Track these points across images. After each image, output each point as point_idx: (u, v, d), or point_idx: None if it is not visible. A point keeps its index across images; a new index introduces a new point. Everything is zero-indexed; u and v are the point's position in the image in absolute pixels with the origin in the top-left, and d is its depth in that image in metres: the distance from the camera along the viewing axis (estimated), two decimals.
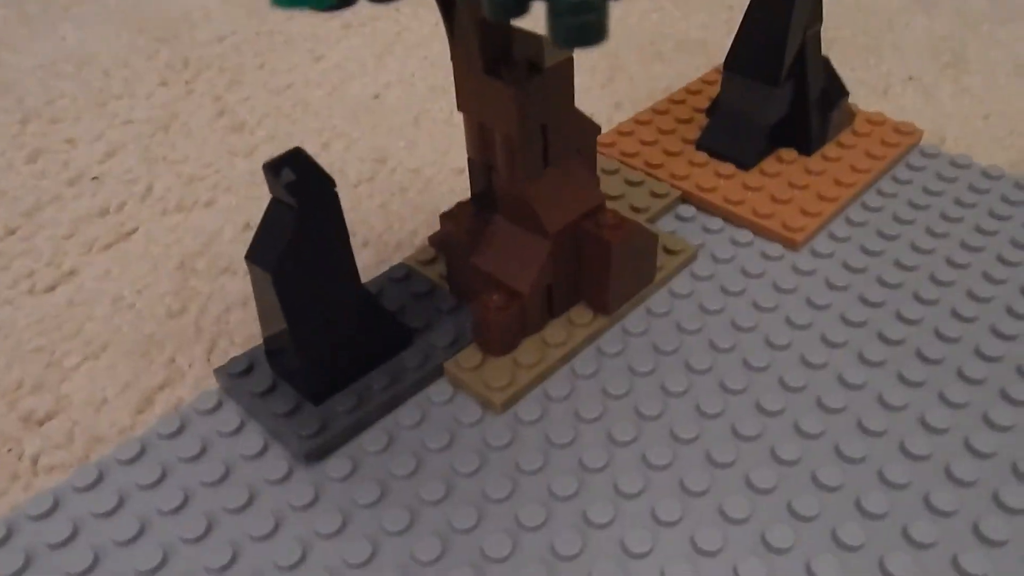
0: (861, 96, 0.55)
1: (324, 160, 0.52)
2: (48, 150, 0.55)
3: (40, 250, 0.46)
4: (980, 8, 0.65)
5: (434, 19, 0.69)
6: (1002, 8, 0.64)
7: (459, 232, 0.36)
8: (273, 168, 0.29)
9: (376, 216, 0.47)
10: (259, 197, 0.50)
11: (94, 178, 0.53)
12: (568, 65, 0.33)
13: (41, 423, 0.36)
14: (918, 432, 0.32)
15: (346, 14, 0.71)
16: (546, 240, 0.34)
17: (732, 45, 0.45)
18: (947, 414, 0.32)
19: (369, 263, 0.43)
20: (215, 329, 0.40)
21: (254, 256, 0.30)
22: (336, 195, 0.30)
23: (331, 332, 0.33)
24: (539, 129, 0.33)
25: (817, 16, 0.44)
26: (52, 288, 0.44)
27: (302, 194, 0.29)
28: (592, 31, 0.20)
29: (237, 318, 0.41)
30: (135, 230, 0.48)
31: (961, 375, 0.34)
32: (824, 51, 0.58)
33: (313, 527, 0.30)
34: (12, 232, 0.48)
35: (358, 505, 0.30)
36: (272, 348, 0.34)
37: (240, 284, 0.43)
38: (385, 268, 0.42)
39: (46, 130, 0.58)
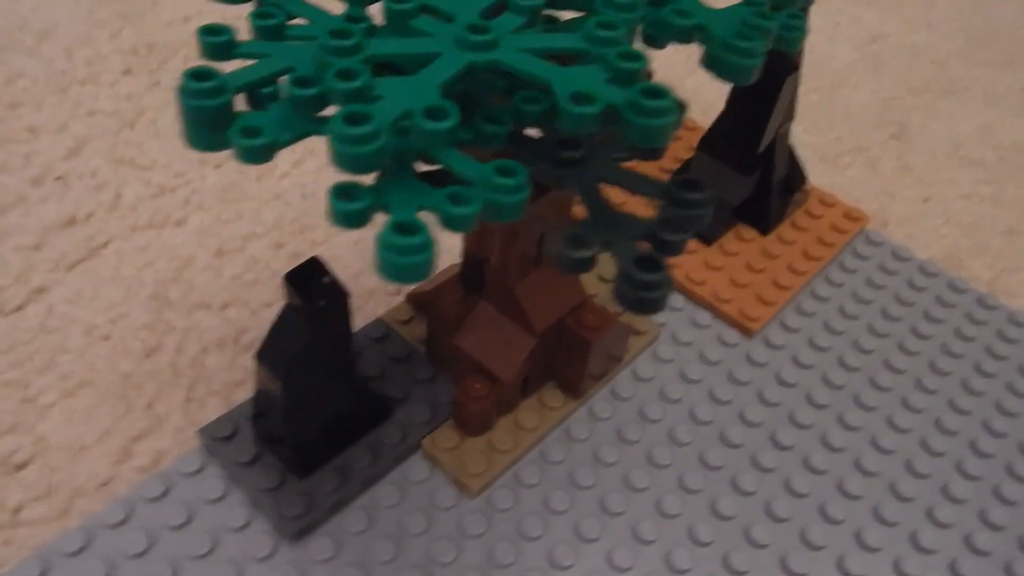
0: (812, 163, 0.58)
1: (296, 181, 0.52)
2: (9, 139, 0.54)
3: (8, 263, 0.46)
4: (925, 75, 0.68)
5: None
6: (944, 79, 0.68)
7: (446, 309, 0.38)
8: (292, 281, 0.30)
9: (351, 254, 0.48)
10: (230, 220, 0.50)
11: (58, 178, 0.52)
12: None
13: (19, 468, 0.37)
14: (872, 524, 0.36)
15: None
16: (532, 337, 0.36)
17: (709, 130, 0.47)
18: (897, 507, 0.36)
19: None
20: (192, 373, 0.41)
21: (265, 358, 0.31)
22: (348, 304, 0.31)
23: (322, 415, 0.34)
24: (538, 238, 0.35)
25: (791, 114, 0.46)
26: (21, 307, 0.43)
27: (316, 306, 0.30)
28: (655, 304, 0.22)
29: (214, 361, 0.42)
30: (105, 245, 0.47)
31: (909, 469, 0.38)
32: None
33: None
34: None
35: None
36: (259, 417, 0.36)
37: (215, 322, 0.43)
38: (360, 314, 0.43)
39: (5, 115, 0.56)
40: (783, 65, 0.42)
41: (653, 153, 0.28)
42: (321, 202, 0.51)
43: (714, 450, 0.38)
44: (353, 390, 0.35)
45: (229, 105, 0.21)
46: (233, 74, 0.22)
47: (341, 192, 0.20)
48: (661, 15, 0.25)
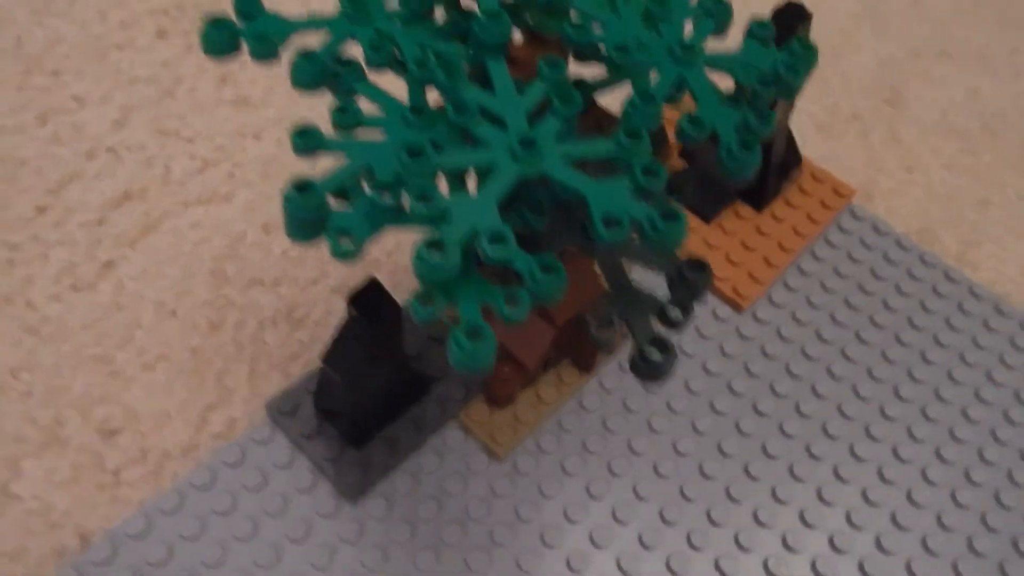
0: (810, 133, 0.62)
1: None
2: (57, 110, 0.58)
3: (76, 239, 0.51)
4: (923, 34, 0.71)
5: None
6: (942, 38, 0.71)
7: None
8: (355, 301, 0.35)
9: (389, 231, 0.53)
10: (273, 195, 0.54)
11: (109, 150, 0.56)
12: None
13: (113, 433, 0.43)
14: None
15: None
16: (553, 328, 0.42)
17: None
18: (854, 466, 0.43)
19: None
20: (252, 347, 0.47)
21: (330, 361, 0.37)
22: (399, 312, 0.37)
23: (374, 395, 0.41)
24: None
25: (791, 105, 0.50)
26: (94, 284, 0.49)
27: (375, 318, 0.36)
28: (666, 375, 0.28)
29: (271, 336, 0.48)
30: (160, 221, 0.52)
31: (867, 433, 0.45)
32: None
33: (360, 560, 0.39)
34: (43, 211, 0.52)
35: (394, 542, 0.40)
36: (319, 394, 0.42)
37: (269, 298, 0.49)
38: (400, 294, 0.48)
39: (50, 84, 0.59)
40: None
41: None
42: None
43: (704, 418, 0.45)
44: (401, 373, 0.41)
45: (324, 208, 0.26)
46: (324, 183, 0.27)
47: (420, 297, 0.25)
48: (679, 123, 0.30)
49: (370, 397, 0.40)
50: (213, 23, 0.31)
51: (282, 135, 0.58)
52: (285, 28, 0.31)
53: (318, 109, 0.60)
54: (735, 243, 0.52)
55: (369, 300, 0.36)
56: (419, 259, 0.24)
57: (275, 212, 0.54)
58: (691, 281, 0.29)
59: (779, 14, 0.45)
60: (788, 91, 0.31)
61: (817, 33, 0.70)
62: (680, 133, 0.30)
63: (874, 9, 0.73)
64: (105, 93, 0.59)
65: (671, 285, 0.31)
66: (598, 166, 0.29)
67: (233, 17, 0.32)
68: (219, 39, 0.31)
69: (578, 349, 0.45)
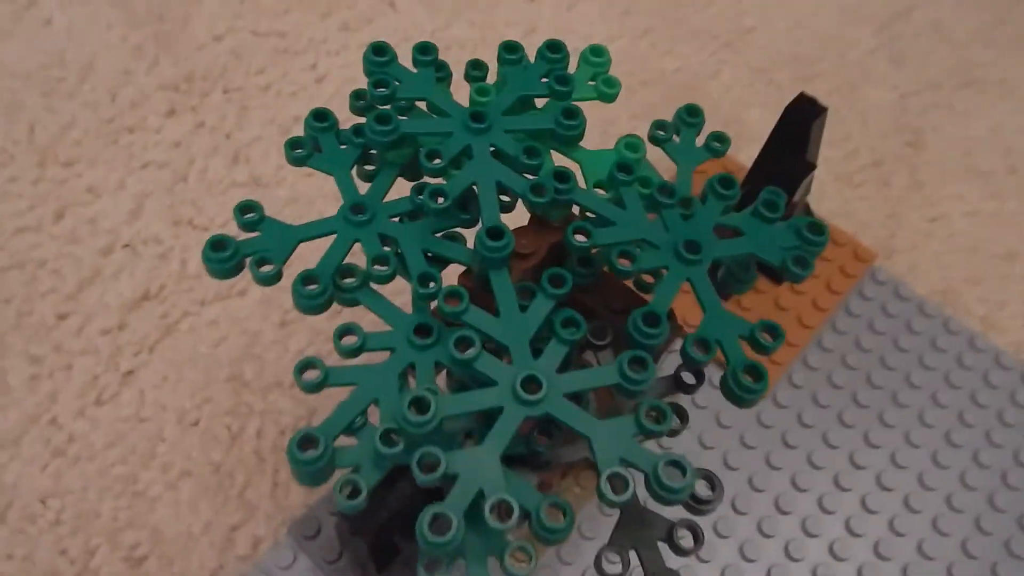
0: (828, 183, 0.61)
1: None
2: (72, 203, 0.58)
3: (97, 347, 0.52)
4: (944, 64, 0.69)
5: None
6: (963, 67, 0.69)
7: None
8: None
9: None
10: (287, 287, 0.55)
11: (125, 246, 0.56)
12: None
13: (141, 561, 0.44)
14: None
15: (343, 14, 0.71)
16: None
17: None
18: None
19: None
20: (274, 458, 0.48)
21: (351, 523, 0.38)
22: None
23: (396, 513, 0.41)
24: None
25: (807, 190, 0.49)
26: (117, 396, 0.50)
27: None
28: None
29: None
30: (179, 322, 0.53)
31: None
32: None
33: None
34: (63, 318, 0.53)
35: None
36: (340, 515, 0.42)
37: (289, 403, 0.50)
38: None
39: (65, 175, 0.60)
40: (803, 168, 0.45)
41: None
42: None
43: (726, 520, 0.45)
44: (420, 493, 0.41)
45: (331, 462, 0.26)
46: (326, 427, 0.27)
47: (427, 567, 0.26)
48: (685, 347, 0.29)
49: (389, 527, 0.40)
50: (214, 245, 0.30)
51: (295, 216, 0.58)
52: (283, 245, 0.31)
53: (329, 185, 0.60)
54: (753, 320, 0.52)
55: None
56: (423, 539, 0.24)
57: (290, 305, 0.54)
58: (703, 501, 0.29)
59: (791, 111, 0.44)
60: (795, 279, 0.30)
61: (833, 71, 0.68)
62: (685, 356, 0.29)
63: (893, 41, 0.71)
64: (119, 180, 0.60)
65: (684, 520, 0.30)
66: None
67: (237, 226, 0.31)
68: (223, 265, 0.30)
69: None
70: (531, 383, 0.27)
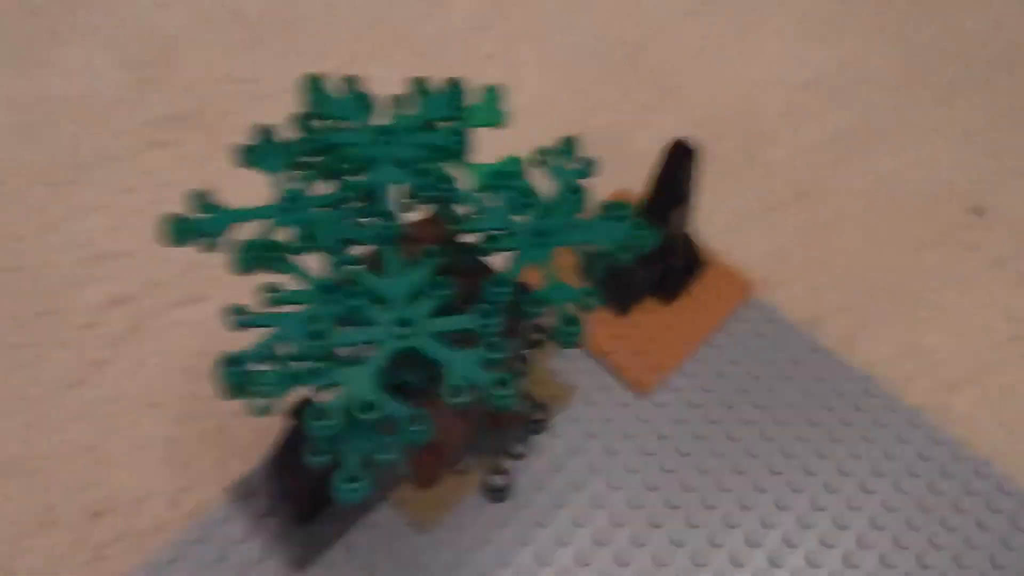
0: (724, 225, 0.70)
1: None
2: (59, 220, 0.66)
3: (71, 340, 0.59)
4: (844, 122, 0.79)
5: None
6: (862, 124, 0.79)
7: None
8: (293, 413, 0.44)
9: None
10: (243, 296, 0.63)
11: (102, 257, 0.64)
12: None
13: (98, 515, 0.51)
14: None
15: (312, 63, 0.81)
16: (466, 422, 0.50)
17: None
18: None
19: None
20: (216, 436, 0.55)
21: (275, 467, 0.45)
22: None
23: (316, 486, 0.48)
24: None
25: (687, 220, 0.58)
26: (86, 380, 0.57)
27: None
28: (505, 497, 0.35)
29: (235, 427, 0.56)
30: (145, 322, 0.61)
31: (742, 504, 0.52)
32: (705, 174, 0.72)
33: None
34: (43, 315, 0.61)
35: None
36: (272, 478, 0.50)
37: None
38: None
39: (51, 196, 0.68)
40: (673, 198, 0.54)
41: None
42: None
43: (604, 495, 0.53)
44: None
45: (248, 374, 0.34)
46: (250, 352, 0.35)
47: (313, 451, 0.33)
48: (522, 300, 0.38)
49: (310, 488, 0.48)
50: (175, 221, 0.39)
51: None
52: (228, 220, 0.40)
53: None
54: (642, 336, 0.60)
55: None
56: (308, 423, 0.32)
57: None
58: (533, 422, 0.37)
59: (670, 154, 0.54)
60: (627, 258, 0.39)
61: (741, 133, 0.78)
62: (524, 311, 0.38)
63: (799, 106, 0.81)
64: (102, 202, 0.68)
65: (517, 433, 0.38)
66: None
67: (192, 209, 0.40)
68: (180, 233, 0.39)
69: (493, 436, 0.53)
70: (405, 323, 0.35)
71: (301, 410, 0.45)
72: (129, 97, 0.76)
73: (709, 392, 0.58)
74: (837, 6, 0.92)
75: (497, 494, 0.37)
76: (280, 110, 0.76)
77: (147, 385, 0.57)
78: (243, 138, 0.44)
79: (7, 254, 0.64)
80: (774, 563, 0.51)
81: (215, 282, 0.63)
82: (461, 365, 0.35)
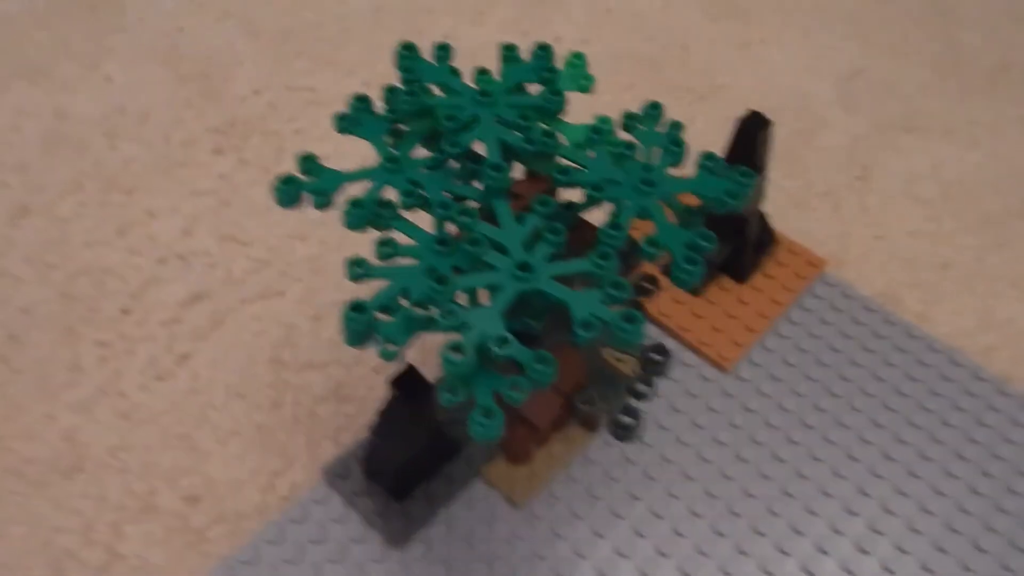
0: (786, 208, 0.70)
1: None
2: (133, 223, 0.68)
3: (155, 335, 0.60)
4: (892, 112, 0.79)
5: None
6: (909, 114, 0.79)
7: None
8: (395, 383, 0.44)
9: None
10: (319, 288, 0.64)
11: (180, 257, 0.66)
12: None
13: (197, 500, 0.52)
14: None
15: (364, 74, 0.82)
16: (560, 396, 0.50)
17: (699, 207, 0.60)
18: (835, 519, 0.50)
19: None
20: (308, 421, 0.56)
21: (377, 434, 0.46)
22: (432, 390, 0.46)
23: (414, 460, 0.49)
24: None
25: (760, 196, 0.59)
26: (174, 374, 0.58)
27: (411, 396, 0.44)
28: (632, 438, 0.35)
29: (323, 411, 0.56)
30: (226, 317, 0.62)
31: (836, 473, 0.52)
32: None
33: None
34: (127, 312, 0.62)
35: None
36: (367, 458, 0.50)
37: (320, 378, 0.58)
38: (432, 369, 0.57)
39: (126, 201, 0.70)
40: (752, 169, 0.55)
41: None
42: None
43: (694, 467, 0.53)
44: (435, 439, 0.49)
45: (372, 322, 0.35)
46: (372, 302, 0.36)
47: (446, 387, 0.34)
48: (642, 245, 0.38)
49: (409, 460, 0.48)
50: (283, 180, 0.40)
51: (324, 236, 0.67)
52: (337, 180, 0.41)
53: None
54: (719, 313, 0.60)
55: (407, 381, 0.45)
56: (445, 360, 0.33)
57: (322, 304, 0.63)
58: (655, 362, 0.37)
59: (744, 123, 0.54)
60: (735, 209, 0.39)
61: (794, 119, 0.78)
62: (643, 252, 0.38)
63: (849, 93, 0.81)
64: (173, 205, 0.69)
65: (641, 366, 0.39)
66: (582, 279, 0.37)
67: (297, 172, 0.41)
68: (287, 194, 0.40)
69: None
70: (525, 267, 0.36)
71: (401, 381, 0.45)
72: (191, 108, 0.77)
73: (791, 366, 0.58)
74: (868, 4, 0.93)
75: (624, 432, 0.37)
76: (334, 105, 0.78)
77: (233, 376, 0.58)
78: (339, 108, 0.45)
79: (88, 256, 0.65)
80: (873, 528, 0.50)
81: (290, 277, 0.64)
82: (586, 303, 0.35)
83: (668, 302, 0.61)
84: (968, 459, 0.53)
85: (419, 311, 0.35)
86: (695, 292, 0.61)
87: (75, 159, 0.72)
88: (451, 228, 0.39)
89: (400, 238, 0.39)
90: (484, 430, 0.32)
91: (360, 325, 0.34)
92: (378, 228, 0.39)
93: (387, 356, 0.34)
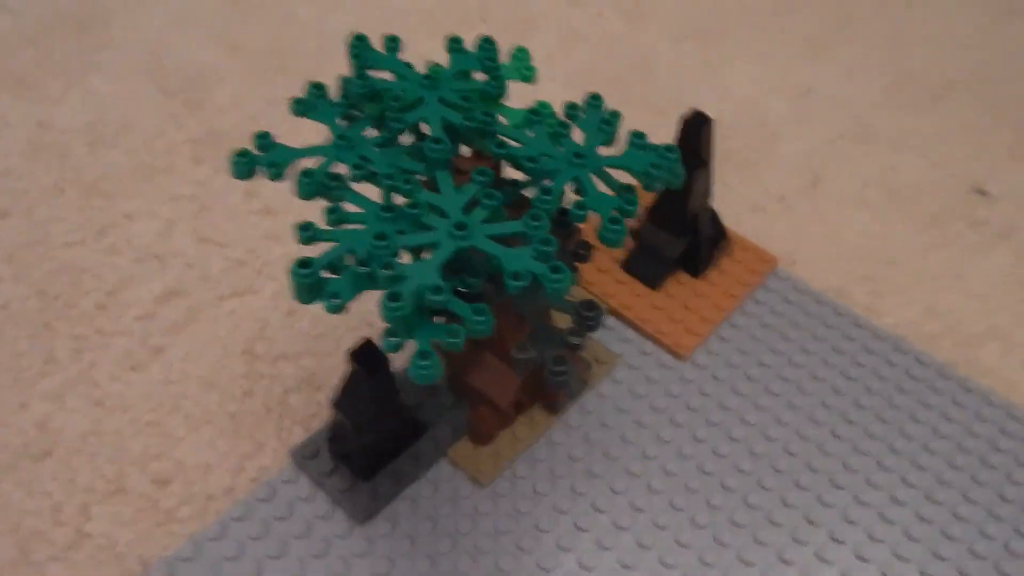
0: (742, 211, 0.73)
1: None
2: (112, 225, 0.70)
3: (132, 330, 0.62)
4: (842, 126, 0.83)
5: None
6: (860, 127, 0.83)
7: (460, 357, 0.54)
8: (354, 356, 0.46)
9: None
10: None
11: (156, 257, 0.67)
12: None
13: (166, 483, 0.53)
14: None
15: None
16: (518, 375, 0.52)
17: (651, 205, 0.63)
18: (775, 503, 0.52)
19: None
20: (280, 409, 0.57)
21: (340, 405, 0.48)
22: (387, 363, 0.47)
23: (379, 436, 0.50)
24: (519, 314, 0.51)
25: (707, 192, 0.62)
26: (147, 366, 0.60)
27: (371, 368, 0.46)
28: (565, 384, 0.38)
29: (295, 400, 0.58)
30: (201, 312, 0.63)
31: (787, 451, 0.54)
32: (716, 165, 0.75)
33: (371, 571, 0.48)
34: (103, 308, 0.63)
35: (399, 555, 0.49)
36: (333, 440, 0.52)
37: (293, 369, 0.60)
38: (398, 362, 0.59)
39: (105, 205, 0.72)
40: (694, 162, 0.58)
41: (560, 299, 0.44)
42: None
43: (652, 446, 0.55)
44: (399, 418, 0.51)
45: (319, 279, 0.37)
46: (319, 259, 0.38)
47: (388, 332, 0.36)
48: (571, 207, 0.41)
49: (375, 437, 0.50)
50: (238, 153, 0.42)
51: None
52: (290, 155, 0.43)
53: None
54: (676, 305, 0.63)
55: (366, 355, 0.47)
56: (384, 306, 0.35)
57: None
58: (585, 317, 0.40)
59: (688, 122, 0.57)
60: (667, 184, 0.42)
61: (749, 132, 0.82)
62: (571, 215, 0.41)
63: (801, 109, 0.85)
64: (152, 209, 0.71)
65: (574, 321, 0.41)
66: (518, 241, 0.40)
67: (252, 148, 0.43)
68: (242, 166, 0.42)
69: (545, 395, 0.55)
70: (462, 227, 0.38)
71: (360, 354, 0.47)
72: (172, 119, 0.80)
73: (745, 353, 0.60)
74: (820, 29, 0.98)
75: (558, 378, 0.39)
76: (317, 127, 0.81)
77: (206, 368, 0.60)
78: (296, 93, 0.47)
79: (67, 255, 0.67)
80: (822, 501, 0.52)
81: (265, 275, 0.66)
82: (517, 257, 0.37)
83: (628, 295, 0.63)
84: (911, 437, 0.56)
85: (363, 269, 0.37)
86: (653, 286, 0.64)
87: (56, 165, 0.74)
88: (398, 200, 0.42)
89: (349, 209, 0.41)
90: (423, 371, 0.34)
91: (307, 279, 0.36)
92: (328, 199, 0.42)
93: (332, 309, 0.37)
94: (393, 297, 0.35)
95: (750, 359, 0.60)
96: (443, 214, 0.40)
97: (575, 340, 0.41)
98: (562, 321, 0.54)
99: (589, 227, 0.50)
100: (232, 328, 0.62)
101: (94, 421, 0.56)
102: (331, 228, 0.40)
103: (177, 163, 0.76)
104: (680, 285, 0.64)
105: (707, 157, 0.59)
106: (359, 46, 0.46)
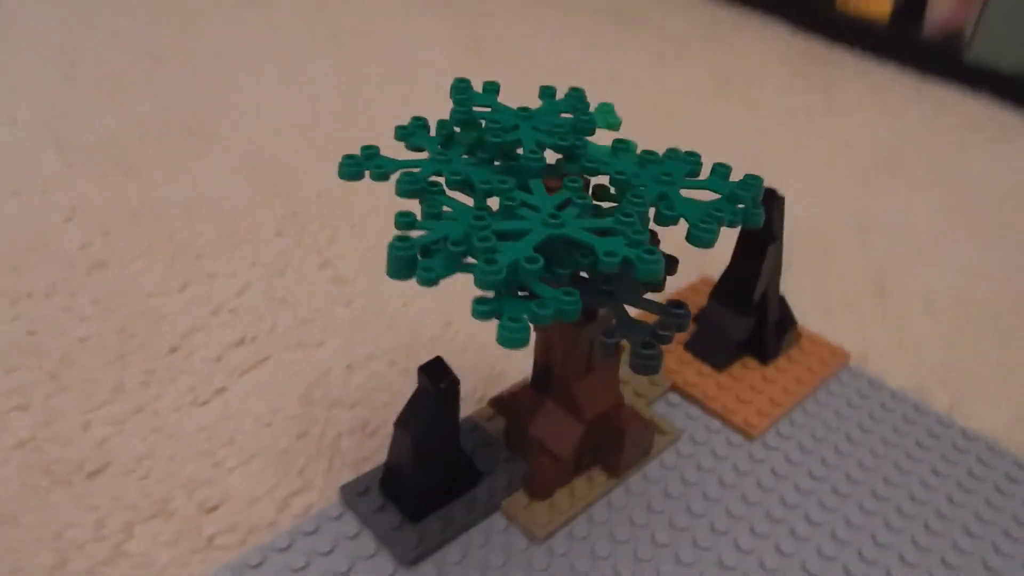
0: (809, 313, 0.72)
1: (407, 316, 0.69)
2: (194, 282, 0.72)
3: (197, 369, 0.62)
4: (906, 247, 0.83)
5: None
6: (923, 248, 0.82)
7: (521, 407, 0.52)
8: (424, 369, 0.45)
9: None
10: (356, 343, 0.66)
11: (231, 311, 0.69)
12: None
13: (211, 510, 0.52)
14: None
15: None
16: (582, 424, 0.51)
17: (717, 284, 0.62)
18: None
19: None
20: (331, 451, 0.56)
21: (402, 423, 0.46)
22: (458, 390, 0.46)
23: (434, 475, 0.49)
24: (587, 347, 0.50)
25: (778, 271, 0.61)
26: (208, 402, 0.60)
27: (440, 388, 0.45)
28: (653, 369, 0.37)
29: (346, 443, 0.56)
30: (266, 359, 0.64)
31: (860, 555, 0.50)
32: (784, 275, 0.75)
33: None
34: (174, 350, 0.64)
35: None
36: (385, 479, 0.50)
37: (347, 416, 0.59)
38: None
39: (192, 264, 0.74)
40: (766, 237, 0.58)
41: (656, 286, 0.44)
42: (425, 329, 0.67)
43: (720, 519, 0.51)
44: (457, 452, 0.50)
45: (415, 255, 0.38)
46: (417, 239, 0.38)
47: (479, 300, 0.36)
48: (659, 208, 0.41)
49: (430, 470, 0.48)
50: (347, 156, 0.44)
51: (367, 303, 0.71)
52: (393, 164, 0.45)
53: (400, 286, 0.73)
54: (743, 386, 0.61)
55: (435, 372, 0.46)
56: (478, 270, 0.35)
57: (357, 356, 0.65)
58: (675, 315, 0.39)
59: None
60: (742, 215, 0.42)
61: (812, 247, 0.82)
62: (658, 215, 0.41)
63: (861, 230, 0.85)
64: (232, 271, 0.74)
65: (661, 321, 0.40)
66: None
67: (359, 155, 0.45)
68: (349, 168, 0.44)
69: (606, 454, 0.53)
70: (555, 216, 0.38)
71: (429, 368, 0.46)
72: (261, 202, 0.84)
73: (819, 440, 0.57)
74: (876, 161, 1.00)
75: (646, 361, 0.38)
76: (388, 212, 0.84)
77: (264, 407, 0.59)
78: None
79: (150, 303, 0.69)
80: None
81: (330, 332, 0.67)
82: (610, 243, 0.37)
83: (693, 374, 0.62)
84: (1019, 539, 0.51)
85: (458, 248, 0.38)
86: (718, 367, 0.62)
87: (153, 230, 0.78)
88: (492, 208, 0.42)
89: (445, 211, 0.42)
90: (511, 334, 0.34)
91: (405, 253, 0.37)
92: (424, 200, 0.43)
93: (425, 281, 0.36)
94: (489, 261, 0.35)
95: (825, 445, 0.57)
96: (536, 210, 0.40)
97: (665, 333, 0.40)
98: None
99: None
100: (293, 375, 0.62)
101: (150, 445, 0.55)
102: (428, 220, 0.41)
103: (260, 236, 0.79)
104: (746, 369, 0.63)
105: (778, 234, 0.59)
106: (461, 88, 0.49)
